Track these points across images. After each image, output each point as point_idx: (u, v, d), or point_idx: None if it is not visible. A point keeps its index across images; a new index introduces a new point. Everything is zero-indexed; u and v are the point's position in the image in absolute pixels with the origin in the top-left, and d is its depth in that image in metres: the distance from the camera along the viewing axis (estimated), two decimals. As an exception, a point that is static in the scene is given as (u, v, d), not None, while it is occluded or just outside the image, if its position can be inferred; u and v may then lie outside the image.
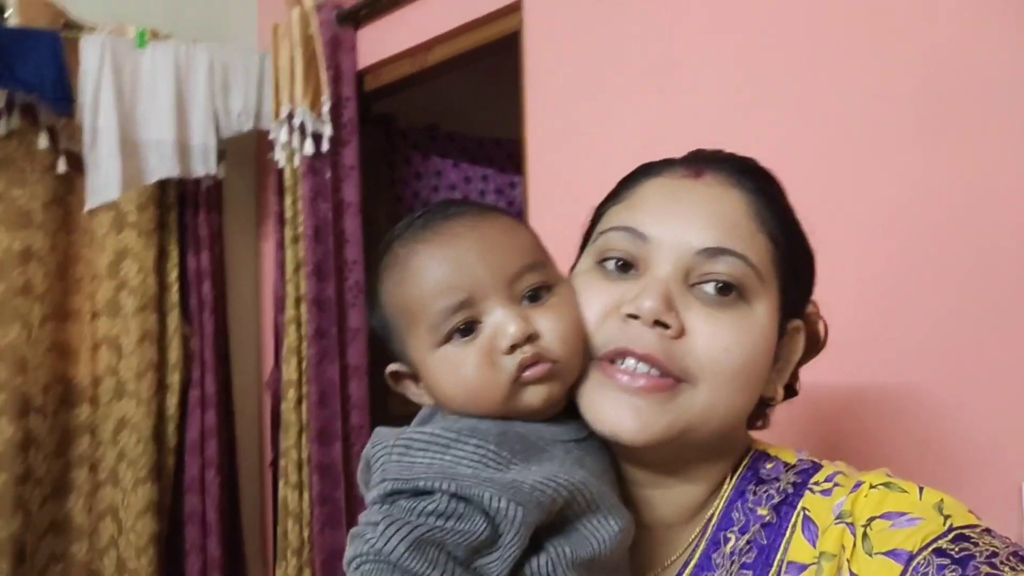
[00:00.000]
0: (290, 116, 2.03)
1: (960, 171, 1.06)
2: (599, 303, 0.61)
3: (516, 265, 0.59)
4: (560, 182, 1.63)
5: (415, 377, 0.63)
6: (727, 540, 0.63)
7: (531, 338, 0.57)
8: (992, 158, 1.03)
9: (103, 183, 1.98)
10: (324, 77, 2.02)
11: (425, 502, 0.52)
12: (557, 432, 0.60)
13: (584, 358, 0.61)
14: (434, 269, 0.59)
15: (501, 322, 0.57)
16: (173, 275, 2.25)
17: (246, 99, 2.17)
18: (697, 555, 0.64)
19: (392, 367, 0.65)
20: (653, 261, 0.60)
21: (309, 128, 2.02)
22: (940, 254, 1.08)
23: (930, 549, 0.53)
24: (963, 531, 0.54)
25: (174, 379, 2.24)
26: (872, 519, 0.57)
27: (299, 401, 2.11)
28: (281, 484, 2.14)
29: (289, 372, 2.11)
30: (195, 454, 2.26)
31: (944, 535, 0.54)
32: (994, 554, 0.52)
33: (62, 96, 1.91)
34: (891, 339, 1.12)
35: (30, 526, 2.05)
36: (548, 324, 0.58)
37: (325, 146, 2.04)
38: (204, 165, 2.13)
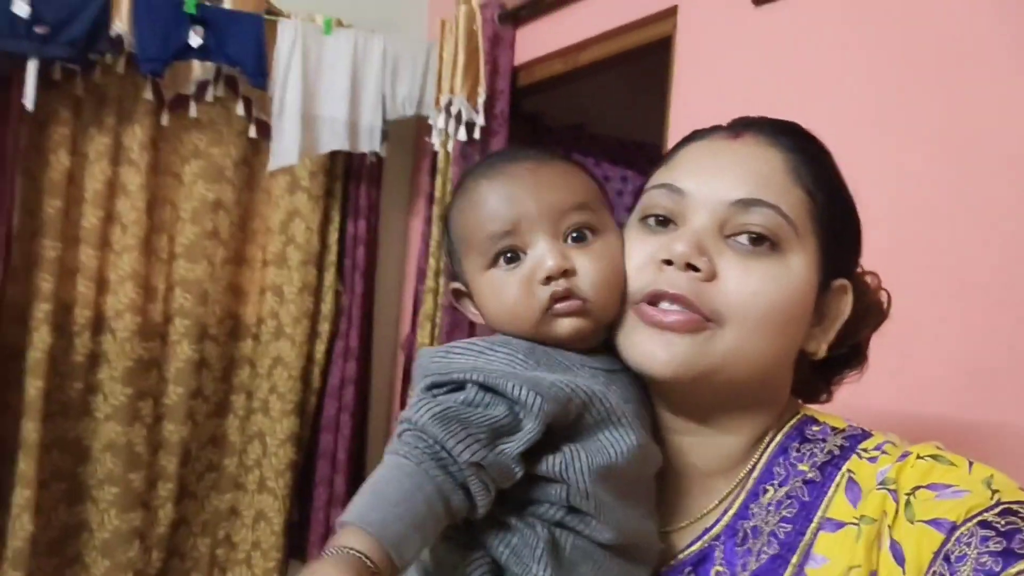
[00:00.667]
0: (448, 104, 2.21)
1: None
2: (640, 254, 0.65)
3: (565, 204, 0.63)
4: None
5: (472, 296, 0.69)
6: (765, 492, 0.64)
7: (567, 273, 0.62)
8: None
9: (284, 149, 2.23)
10: (483, 71, 2.19)
11: (458, 394, 0.57)
12: (586, 360, 0.63)
13: (620, 302, 0.65)
14: (489, 200, 0.64)
15: (541, 254, 0.62)
16: (333, 237, 2.49)
17: (411, 86, 2.36)
18: (736, 505, 0.65)
19: (454, 284, 0.71)
20: (690, 214, 0.63)
21: (464, 117, 2.19)
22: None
23: (975, 521, 0.52)
24: (1011, 506, 0.53)
25: (324, 328, 2.48)
26: (917, 488, 0.56)
27: (429, 363, 2.30)
28: (405, 435, 2.34)
29: (423, 336, 2.29)
30: (334, 397, 2.48)
31: (990, 508, 0.53)
32: None
33: (260, 72, 2.18)
34: (997, 376, 1.11)
35: (195, 435, 2.36)
36: (586, 264, 0.63)
37: (477, 134, 2.20)
38: (370, 143, 2.34)
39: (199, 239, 2.34)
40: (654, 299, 0.62)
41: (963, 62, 1.20)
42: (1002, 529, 0.51)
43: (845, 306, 0.66)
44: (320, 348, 2.49)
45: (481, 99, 2.19)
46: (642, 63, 1.97)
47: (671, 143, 1.74)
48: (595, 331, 0.64)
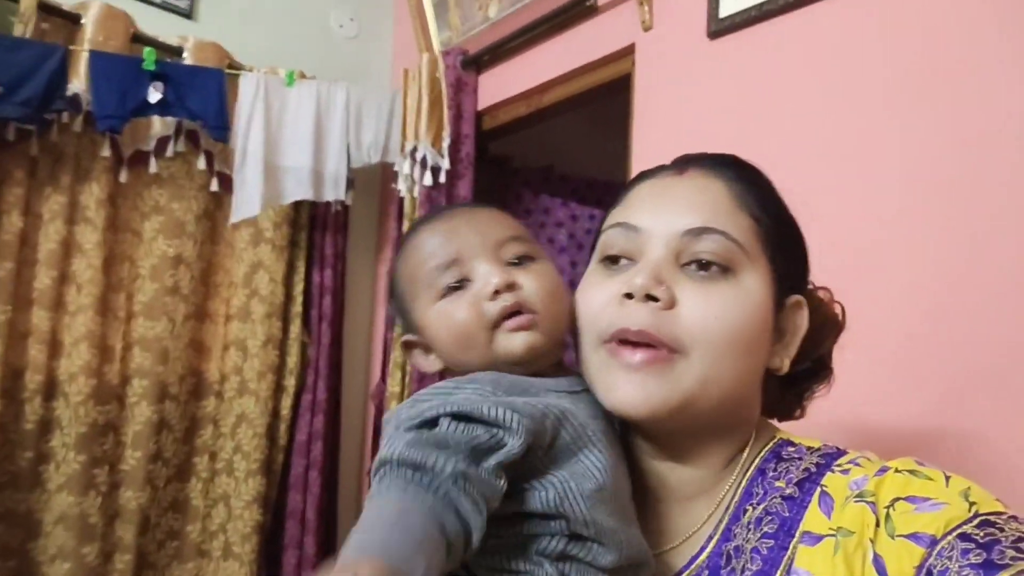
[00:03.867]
0: (413, 150, 2.21)
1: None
2: (602, 293, 0.67)
3: (502, 234, 0.69)
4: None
5: (425, 347, 0.71)
6: (745, 512, 0.65)
7: (512, 287, 0.66)
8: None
9: (247, 200, 2.20)
10: (446, 116, 2.20)
11: (430, 429, 0.55)
12: (549, 384, 0.65)
13: (567, 321, 0.68)
14: (430, 240, 0.69)
15: (486, 274, 0.67)
16: (299, 288, 2.44)
17: (376, 134, 2.36)
18: (720, 529, 0.66)
19: (405, 337, 0.73)
20: (646, 249, 0.66)
21: (430, 162, 2.19)
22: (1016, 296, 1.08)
23: (954, 534, 0.53)
24: (988, 517, 0.54)
25: (290, 382, 2.41)
26: (896, 500, 0.57)
27: (400, 414, 2.24)
28: (376, 491, 2.26)
29: (393, 385, 2.24)
30: (302, 454, 2.40)
31: (969, 520, 0.54)
32: (1021, 539, 0.51)
33: (221, 125, 2.16)
34: (939, 377, 1.12)
35: (155, 502, 2.24)
36: (529, 280, 0.67)
37: (442, 178, 2.20)
38: (335, 191, 2.32)
39: (159, 296, 2.26)
40: (620, 336, 0.64)
41: (918, 87, 1.23)
42: (981, 541, 0.52)
43: (802, 320, 0.69)
44: (286, 403, 2.41)
45: (446, 143, 2.19)
46: (604, 102, 2.00)
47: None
48: (547, 348, 0.67)
